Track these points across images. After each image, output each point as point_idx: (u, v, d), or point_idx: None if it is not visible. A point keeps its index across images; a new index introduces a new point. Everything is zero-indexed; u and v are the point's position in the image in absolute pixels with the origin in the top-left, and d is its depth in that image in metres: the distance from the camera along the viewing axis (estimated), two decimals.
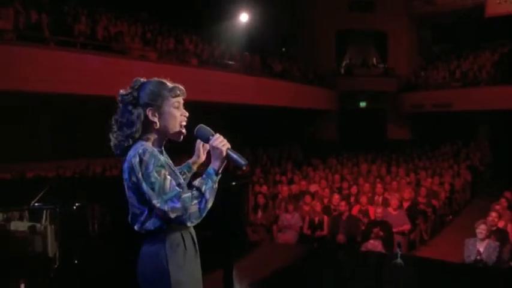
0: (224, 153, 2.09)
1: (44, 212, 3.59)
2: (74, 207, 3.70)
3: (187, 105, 2.23)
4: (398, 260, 5.42)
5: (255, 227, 8.34)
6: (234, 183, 4.48)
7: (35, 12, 9.97)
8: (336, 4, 19.85)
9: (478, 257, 5.73)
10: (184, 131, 2.16)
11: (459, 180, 12.25)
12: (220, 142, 2.09)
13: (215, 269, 4.21)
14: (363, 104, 20.45)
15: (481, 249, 5.76)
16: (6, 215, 3.60)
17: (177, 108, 2.14)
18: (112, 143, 2.10)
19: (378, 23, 20.06)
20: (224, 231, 4.17)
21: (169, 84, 2.14)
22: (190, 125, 2.19)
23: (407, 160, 14.71)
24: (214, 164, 2.09)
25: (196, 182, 2.05)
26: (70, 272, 3.58)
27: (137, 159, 1.96)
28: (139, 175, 1.95)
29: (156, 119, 2.08)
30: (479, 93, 16.62)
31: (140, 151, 1.97)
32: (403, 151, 16.37)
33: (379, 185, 9.63)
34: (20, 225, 3.61)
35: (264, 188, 9.84)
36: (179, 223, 2.00)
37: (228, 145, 2.10)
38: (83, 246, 3.67)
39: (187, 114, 2.17)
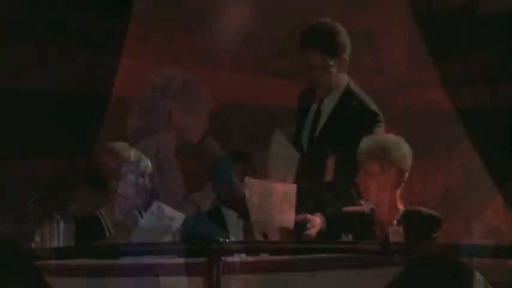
0: None
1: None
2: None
3: None
4: None
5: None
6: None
7: (28, 9, 9.90)
8: (329, 1, 19.90)
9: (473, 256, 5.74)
10: None
11: (453, 179, 12.29)
12: None
13: None
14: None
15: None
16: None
17: None
18: None
19: (372, 20, 20.13)
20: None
21: None
22: None
23: None
24: None
25: None
26: None
27: None
28: None
29: None
30: (474, 92, 16.70)
31: None
32: None
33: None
34: None
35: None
36: None
37: None
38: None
39: None
